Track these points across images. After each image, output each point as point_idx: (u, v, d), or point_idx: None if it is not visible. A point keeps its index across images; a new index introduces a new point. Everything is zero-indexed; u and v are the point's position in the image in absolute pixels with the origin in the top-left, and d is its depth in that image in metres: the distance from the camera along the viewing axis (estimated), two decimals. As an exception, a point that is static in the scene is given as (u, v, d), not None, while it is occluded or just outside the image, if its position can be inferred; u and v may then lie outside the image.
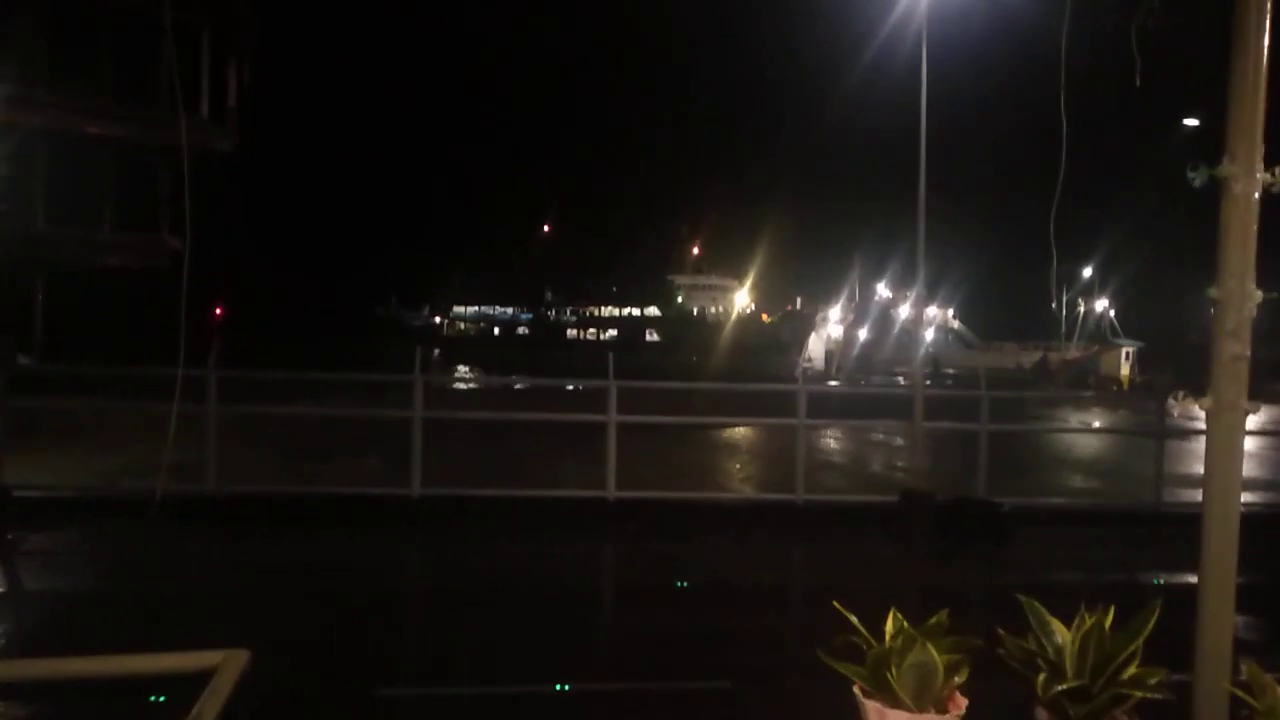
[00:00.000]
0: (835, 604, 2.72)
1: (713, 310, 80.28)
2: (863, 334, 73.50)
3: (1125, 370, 55.00)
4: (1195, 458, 12.70)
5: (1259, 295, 2.40)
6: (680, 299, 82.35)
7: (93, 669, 1.84)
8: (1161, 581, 8.30)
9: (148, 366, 8.26)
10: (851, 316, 75.51)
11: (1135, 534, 10.25)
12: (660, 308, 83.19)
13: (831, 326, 74.00)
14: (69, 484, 9.91)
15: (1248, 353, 2.41)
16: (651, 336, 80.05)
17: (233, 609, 6.43)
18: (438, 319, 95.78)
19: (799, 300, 76.06)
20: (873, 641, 2.51)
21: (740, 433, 18.36)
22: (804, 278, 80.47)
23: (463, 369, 52.91)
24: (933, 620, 2.52)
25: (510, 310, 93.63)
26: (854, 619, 2.59)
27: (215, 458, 9.44)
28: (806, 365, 37.88)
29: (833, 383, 42.54)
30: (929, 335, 64.12)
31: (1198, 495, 2.67)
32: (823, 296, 75.61)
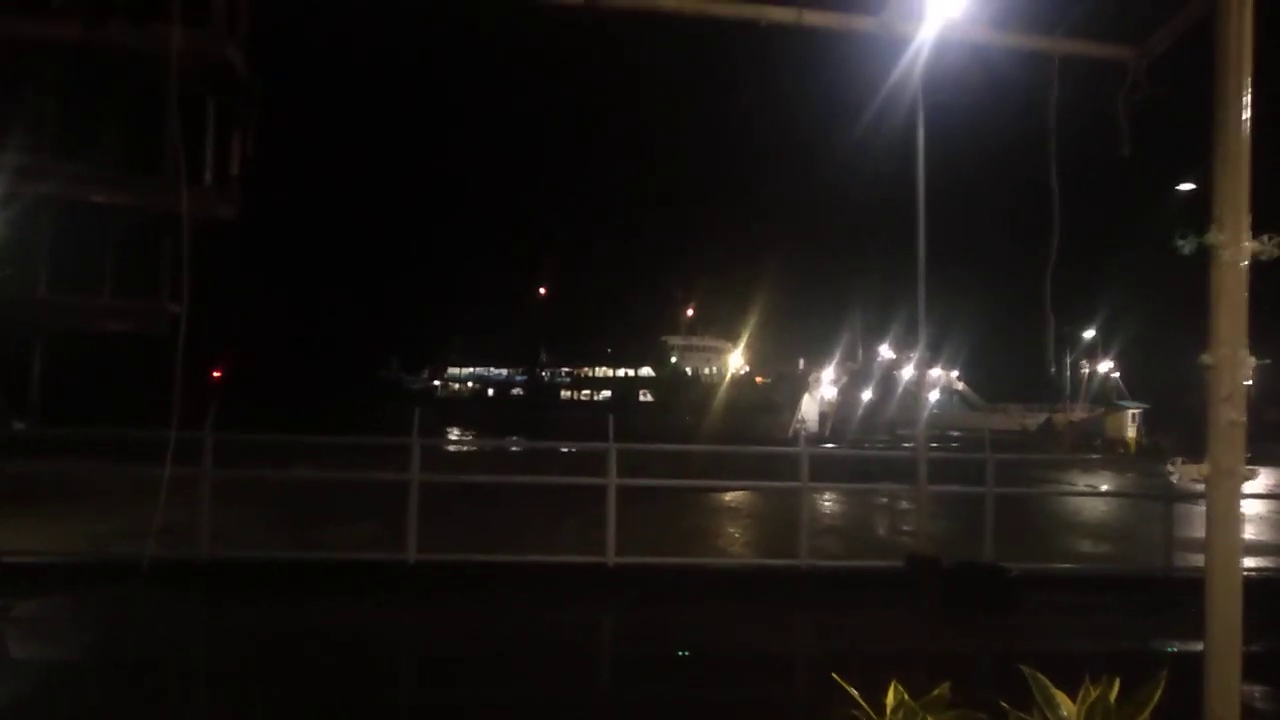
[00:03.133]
0: (835, 676, 2.65)
1: (706, 371, 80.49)
2: (865, 395, 73.36)
3: (1131, 433, 54.67)
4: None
5: (1253, 361, 2.39)
6: (674, 360, 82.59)
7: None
8: (1175, 649, 8.10)
9: (145, 429, 8.23)
10: (845, 378, 75.44)
11: (1145, 600, 10.05)
12: (654, 368, 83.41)
13: (825, 388, 73.91)
14: (59, 549, 9.77)
15: (1244, 419, 2.39)
16: (645, 397, 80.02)
17: (222, 678, 6.29)
18: (436, 381, 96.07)
19: (802, 361, 76.22)
20: (873, 715, 2.44)
21: (741, 495, 18.18)
22: (801, 339, 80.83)
23: (453, 432, 52.69)
24: (934, 693, 2.45)
25: (505, 371, 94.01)
26: (854, 692, 2.52)
27: (209, 522, 9.33)
28: (799, 427, 37.71)
29: (828, 445, 42.38)
30: (933, 397, 64.02)
31: (1205, 561, 2.62)
32: (822, 358, 75.78)
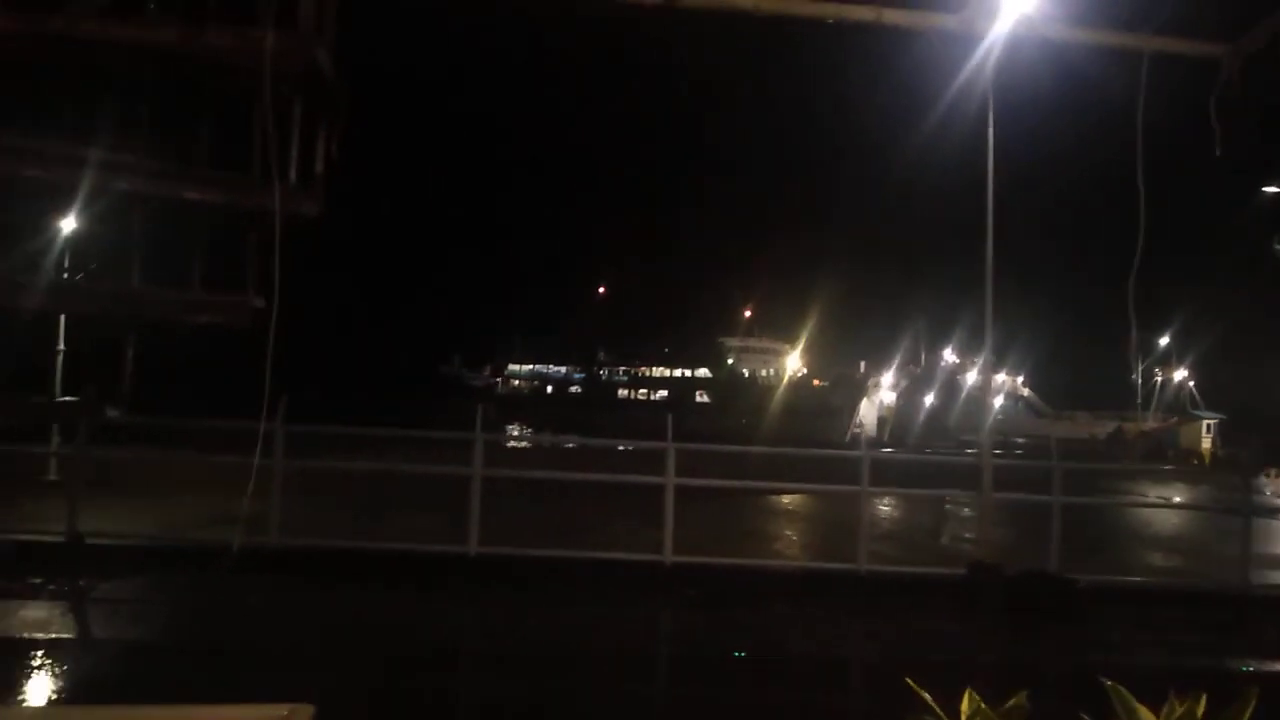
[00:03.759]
0: (909, 681, 2.62)
1: (764, 373, 79.75)
2: (927, 400, 71.99)
3: (1206, 443, 52.59)
4: (1286, 538, 12.01)
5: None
6: (731, 361, 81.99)
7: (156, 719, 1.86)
8: (1253, 669, 7.78)
9: (228, 420, 8.53)
10: (906, 382, 74.04)
11: (1220, 617, 9.67)
12: (711, 369, 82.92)
13: (884, 393, 72.63)
14: (139, 533, 10.16)
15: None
16: (701, 398, 79.62)
17: (295, 662, 6.48)
18: (496, 378, 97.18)
19: (863, 365, 75.11)
20: (947, 722, 2.40)
21: (798, 498, 18.02)
22: (861, 343, 79.58)
23: (512, 428, 53.05)
24: (1011, 702, 2.41)
25: (564, 369, 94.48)
26: (927, 696, 2.49)
27: (279, 511, 9.59)
28: (857, 431, 36.96)
29: (886, 450, 41.64)
30: (998, 403, 62.53)
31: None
32: (884, 361, 74.57)
